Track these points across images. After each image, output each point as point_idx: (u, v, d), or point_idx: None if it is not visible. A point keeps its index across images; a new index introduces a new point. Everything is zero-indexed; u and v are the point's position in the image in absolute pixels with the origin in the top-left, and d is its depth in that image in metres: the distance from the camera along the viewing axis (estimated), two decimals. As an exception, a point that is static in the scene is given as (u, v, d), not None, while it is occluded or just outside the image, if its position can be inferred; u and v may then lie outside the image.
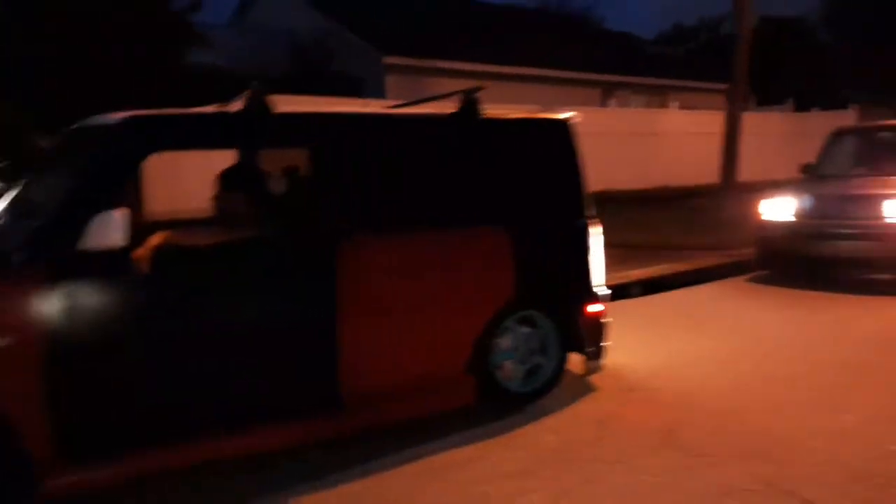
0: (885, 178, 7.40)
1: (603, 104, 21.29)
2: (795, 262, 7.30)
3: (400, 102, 4.77)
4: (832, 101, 27.03)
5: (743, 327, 5.69)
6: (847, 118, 19.38)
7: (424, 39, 18.45)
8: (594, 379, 4.36)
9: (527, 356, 4.09)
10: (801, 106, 22.70)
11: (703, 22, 37.03)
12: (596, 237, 4.23)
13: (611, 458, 3.36)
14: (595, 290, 4.23)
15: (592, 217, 4.25)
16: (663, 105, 23.00)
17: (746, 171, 13.16)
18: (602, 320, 4.25)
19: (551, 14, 29.38)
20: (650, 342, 5.28)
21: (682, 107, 22.27)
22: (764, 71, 28.60)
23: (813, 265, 7.15)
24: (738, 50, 12.07)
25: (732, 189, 12.07)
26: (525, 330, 4.07)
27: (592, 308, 4.20)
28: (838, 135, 8.45)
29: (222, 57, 18.29)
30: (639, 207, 13.56)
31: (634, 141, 18.06)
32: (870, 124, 8.31)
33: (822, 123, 22.40)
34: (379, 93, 17.10)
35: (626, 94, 23.29)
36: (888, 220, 6.67)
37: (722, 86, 23.44)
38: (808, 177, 8.18)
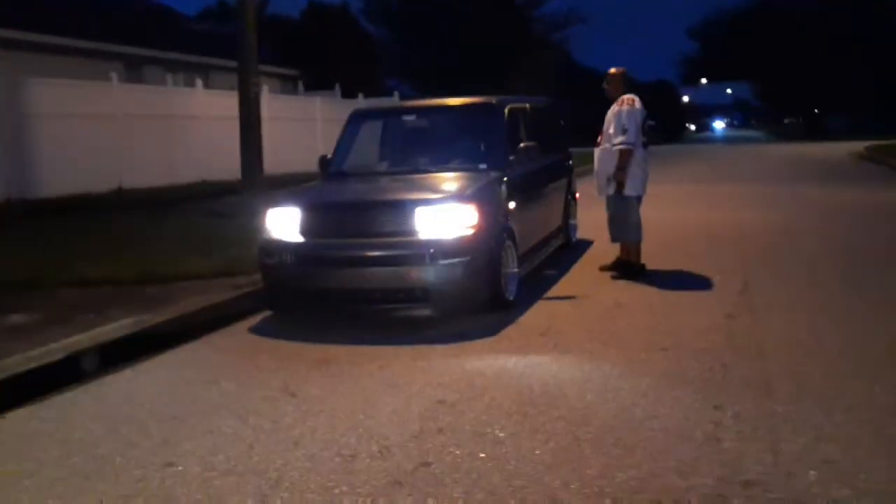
0: (413, 175, 5.68)
1: (130, 80, 17.40)
2: (307, 301, 5.11)
3: None
4: (379, 90, 27.36)
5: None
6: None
7: None
8: None
9: None
10: (347, 93, 21.98)
11: None
12: None
13: None
14: None
15: None
16: (206, 86, 20.07)
17: (280, 162, 11.00)
18: None
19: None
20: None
21: (224, 88, 19.60)
22: (312, 56, 27.69)
23: (329, 303, 5.04)
24: (244, 25, 9.70)
25: (257, 186, 9.79)
26: None
27: None
28: (356, 119, 6.55)
29: None
30: (147, 214, 10.38)
31: (159, 126, 14.74)
32: (392, 105, 6.63)
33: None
34: None
35: (159, 71, 19.72)
36: (420, 235, 4.83)
37: (270, 67, 21.54)
38: (324, 176, 6.13)
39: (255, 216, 9.00)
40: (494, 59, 30.23)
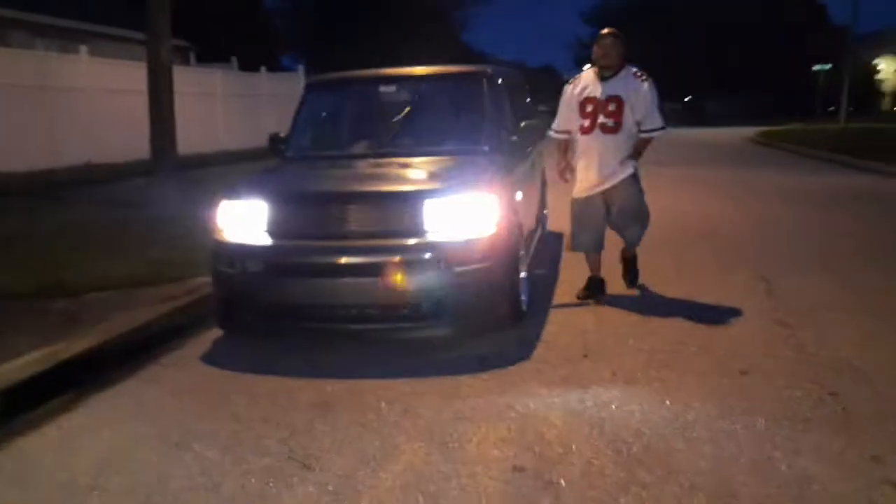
0: (403, 159, 4.64)
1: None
2: (279, 319, 4.01)
3: None
4: (275, 64, 25.56)
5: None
6: (301, 81, 17.50)
7: None
8: None
9: None
10: (246, 67, 20.19)
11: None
12: None
13: None
14: None
15: None
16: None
17: (180, 140, 9.47)
18: None
19: None
20: None
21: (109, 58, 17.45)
22: (203, 26, 25.46)
23: (309, 322, 3.98)
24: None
25: (171, 168, 8.37)
26: None
27: None
28: (314, 90, 5.40)
29: None
30: (33, 205, 8.70)
31: (34, 99, 12.72)
32: (361, 74, 5.45)
33: (276, 85, 20.42)
34: None
35: (27, 37, 17.32)
36: (429, 236, 3.83)
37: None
38: (282, 159, 4.99)
39: (171, 205, 7.70)
40: (390, 32, 29.25)
